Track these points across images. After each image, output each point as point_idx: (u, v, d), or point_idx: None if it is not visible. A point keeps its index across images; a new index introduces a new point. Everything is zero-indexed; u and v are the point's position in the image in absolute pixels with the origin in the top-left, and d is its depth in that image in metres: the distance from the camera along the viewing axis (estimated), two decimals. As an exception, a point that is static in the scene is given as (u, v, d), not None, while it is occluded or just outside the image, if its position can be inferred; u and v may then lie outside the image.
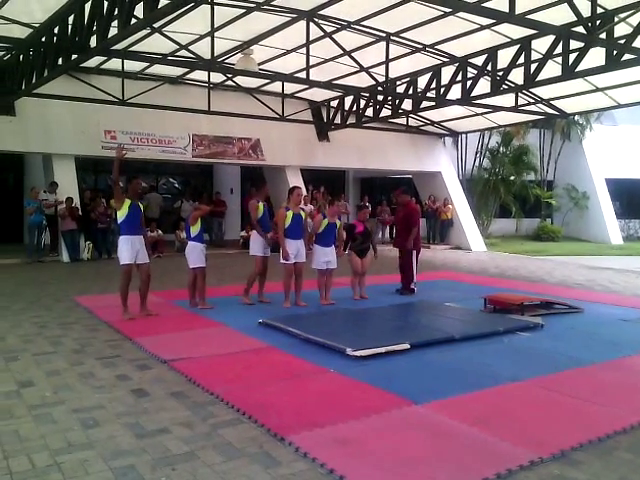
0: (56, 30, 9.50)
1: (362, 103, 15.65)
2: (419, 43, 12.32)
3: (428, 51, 12.63)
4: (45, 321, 7.11)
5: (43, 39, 9.98)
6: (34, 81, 10.94)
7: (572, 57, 10.01)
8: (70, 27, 9.10)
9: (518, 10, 7.93)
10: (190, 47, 11.28)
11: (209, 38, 10.33)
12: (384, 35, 11.81)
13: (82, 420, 3.95)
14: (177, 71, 14.50)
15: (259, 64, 12.84)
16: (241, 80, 14.57)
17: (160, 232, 15.19)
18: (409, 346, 5.71)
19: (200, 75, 14.60)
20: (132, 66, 13.55)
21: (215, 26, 10.20)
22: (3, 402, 4.30)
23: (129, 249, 7.07)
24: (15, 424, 3.88)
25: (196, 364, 5.26)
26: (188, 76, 15.11)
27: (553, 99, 14.80)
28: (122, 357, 5.55)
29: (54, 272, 11.85)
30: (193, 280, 7.91)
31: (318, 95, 16.88)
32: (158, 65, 13.16)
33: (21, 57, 11.45)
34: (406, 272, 9.27)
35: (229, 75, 14.20)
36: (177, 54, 12.47)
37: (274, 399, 4.36)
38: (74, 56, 9.61)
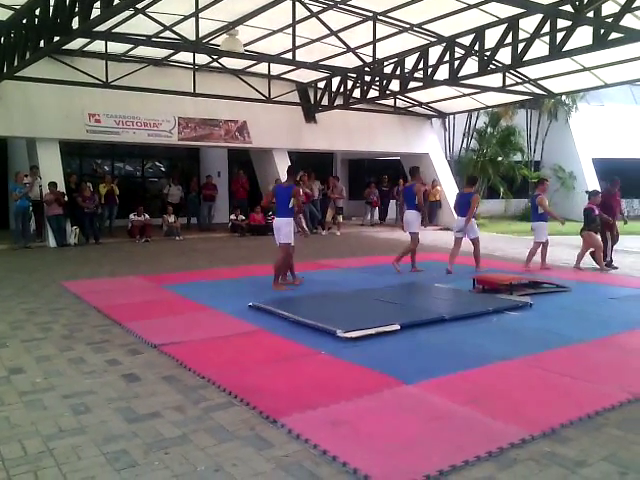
0: (37, 12, 9.28)
1: (349, 84, 15.49)
2: (406, 23, 12.22)
3: (415, 31, 12.55)
4: (34, 307, 7.06)
5: (24, 21, 9.75)
6: (16, 64, 10.72)
7: (560, 36, 9.95)
8: (52, 8, 8.91)
9: (506, -12, 7.88)
10: (174, 28, 11.09)
11: (193, 19, 10.17)
12: (371, 15, 11.69)
13: (73, 406, 3.93)
14: (162, 53, 14.28)
15: (245, 45, 12.69)
16: (227, 62, 14.42)
17: (147, 216, 15.07)
18: (399, 327, 5.73)
19: (185, 57, 14.42)
20: (116, 48, 13.35)
21: (199, 6, 10.04)
22: (-7, 389, 4.27)
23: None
24: (6, 411, 3.85)
25: (187, 348, 5.24)
26: (173, 58, 14.89)
27: (540, 79, 14.81)
28: (112, 342, 5.52)
29: (41, 258, 11.73)
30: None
31: (305, 76, 16.72)
32: (142, 47, 12.95)
33: (2, 39, 11.21)
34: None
35: (214, 56, 14.03)
36: (161, 35, 12.27)
37: (266, 382, 4.36)
38: (56, 38, 9.42)
